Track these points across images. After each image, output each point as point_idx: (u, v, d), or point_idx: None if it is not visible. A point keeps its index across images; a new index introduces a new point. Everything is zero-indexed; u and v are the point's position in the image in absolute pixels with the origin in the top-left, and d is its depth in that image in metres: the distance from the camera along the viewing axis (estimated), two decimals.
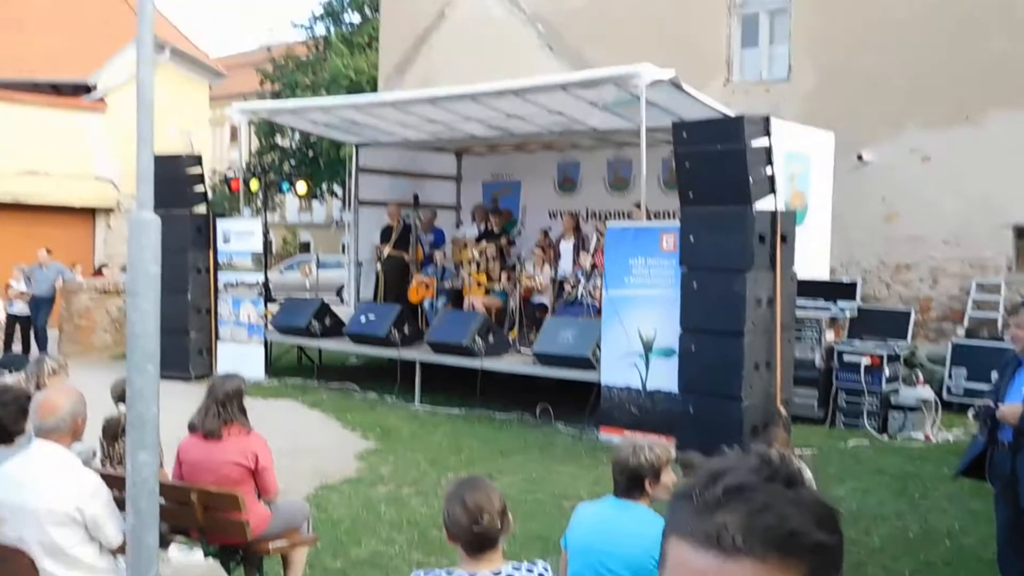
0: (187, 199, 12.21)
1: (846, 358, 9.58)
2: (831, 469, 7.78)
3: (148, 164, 4.94)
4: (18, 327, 14.42)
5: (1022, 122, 11.44)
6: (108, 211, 18.01)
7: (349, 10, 31.86)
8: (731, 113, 10.10)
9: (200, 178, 12.44)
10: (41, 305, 14.63)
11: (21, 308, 14.39)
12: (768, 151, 8.12)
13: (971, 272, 11.87)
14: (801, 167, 10.54)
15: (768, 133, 8.13)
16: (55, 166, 16.84)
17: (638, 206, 10.47)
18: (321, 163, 30.05)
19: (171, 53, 19.02)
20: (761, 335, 7.98)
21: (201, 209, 12.49)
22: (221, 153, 47.84)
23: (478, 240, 12.84)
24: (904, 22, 12.24)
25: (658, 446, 3.62)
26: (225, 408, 4.93)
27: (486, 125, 12.24)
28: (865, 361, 9.40)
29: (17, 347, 14.24)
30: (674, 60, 11.37)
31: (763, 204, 8.12)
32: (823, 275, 10.97)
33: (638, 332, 8.76)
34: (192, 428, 5.01)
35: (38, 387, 5.21)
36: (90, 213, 18.00)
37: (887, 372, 9.40)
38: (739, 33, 13.88)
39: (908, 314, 10.82)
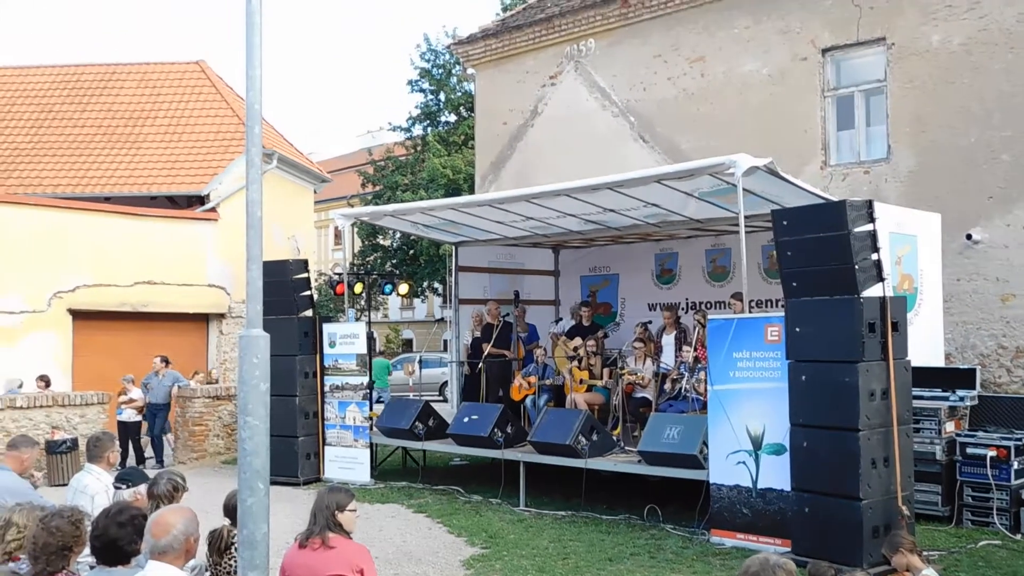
0: (295, 304, 12.57)
1: (970, 450, 9.09)
2: (961, 574, 7.31)
3: (257, 282, 5.11)
4: (127, 437, 14.78)
5: None
6: (220, 316, 18.65)
7: (445, 111, 32.83)
8: (831, 197, 9.93)
9: (307, 283, 12.81)
10: (157, 413, 15.13)
11: (130, 415, 14.88)
12: (873, 236, 7.91)
13: None
14: (908, 249, 10.23)
15: (872, 217, 7.93)
16: (170, 275, 17.58)
17: (736, 297, 10.31)
18: (421, 261, 30.67)
19: (278, 161, 19.84)
20: (877, 429, 7.64)
21: (308, 313, 12.82)
22: (325, 255, 49.37)
23: (571, 335, 12.80)
24: (1005, 95, 11.93)
25: (785, 569, 3.45)
26: (331, 520, 4.94)
27: (582, 219, 12.32)
28: (991, 453, 8.89)
29: (129, 459, 14.63)
30: (769, 145, 11.33)
31: (871, 291, 7.88)
32: (938, 362, 10.51)
33: (746, 428, 8.51)
34: (298, 540, 5.03)
35: (157, 505, 5.30)
36: (203, 319, 18.67)
37: (1016, 464, 8.86)
38: (834, 115, 13.73)
39: None
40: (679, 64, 15.23)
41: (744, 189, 9.03)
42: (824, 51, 13.65)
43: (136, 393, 15.02)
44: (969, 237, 11.99)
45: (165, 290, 17.48)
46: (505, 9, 29.07)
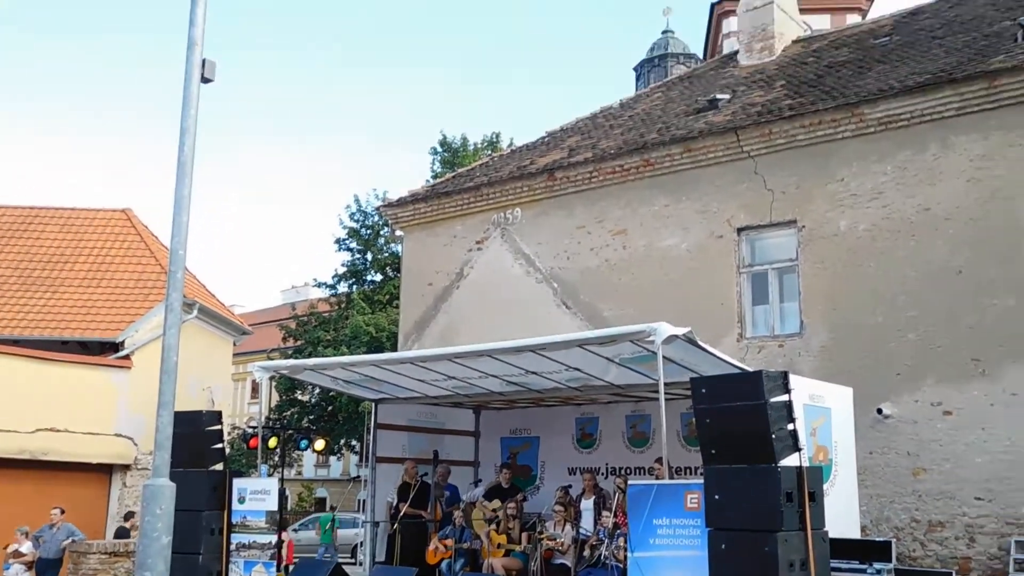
0: (205, 457, 12.12)
1: None
2: None
3: (167, 429, 4.99)
4: None
5: None
6: (125, 468, 17.90)
7: (371, 270, 33.15)
8: (748, 368, 10.19)
9: (219, 436, 12.42)
10: (47, 569, 14.21)
11: (17, 571, 13.96)
12: (789, 406, 8.10)
13: (1008, 530, 11.46)
14: (822, 421, 10.47)
15: (788, 388, 8.14)
16: (75, 422, 16.93)
17: (659, 462, 10.33)
18: (340, 418, 30.15)
19: (198, 311, 19.62)
20: None
21: (218, 467, 12.38)
22: (241, 408, 48.18)
23: (490, 497, 12.60)
24: (909, 279, 12.61)
25: None
26: None
27: (504, 381, 12.34)
28: None
29: None
30: (688, 316, 11.63)
31: (788, 460, 8.00)
32: (855, 534, 10.60)
33: None
34: None
35: None
36: (107, 470, 17.88)
37: None
38: (749, 290, 14.29)
39: (948, 575, 10.34)
40: (602, 236, 15.78)
41: (664, 357, 9.21)
42: (739, 230, 14.33)
43: (26, 547, 14.13)
44: (880, 412, 12.36)
45: (69, 438, 16.78)
46: (435, 176, 29.97)
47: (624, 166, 15.63)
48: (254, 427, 28.12)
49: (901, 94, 13.06)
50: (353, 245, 32.77)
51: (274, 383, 30.07)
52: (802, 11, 21.68)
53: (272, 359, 32.15)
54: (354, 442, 31.08)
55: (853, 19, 33.29)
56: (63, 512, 14.64)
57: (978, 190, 12.33)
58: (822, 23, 30.98)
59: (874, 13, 31.97)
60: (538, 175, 16.69)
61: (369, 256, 32.79)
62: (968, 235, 12.31)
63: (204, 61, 7.17)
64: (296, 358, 30.46)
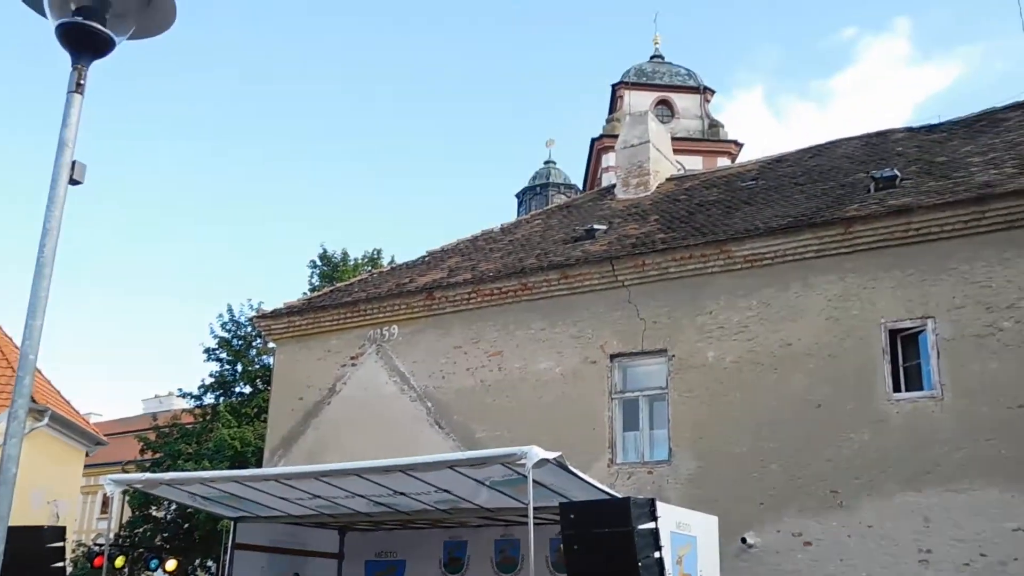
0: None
1: None
2: None
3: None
4: None
5: (890, 510, 11.94)
6: None
7: (240, 382, 32.15)
8: (617, 494, 10.23)
9: (60, 553, 11.60)
10: None
11: None
12: (655, 534, 8.14)
13: None
14: (688, 549, 10.53)
15: (655, 516, 8.21)
16: None
17: None
18: (196, 537, 28.57)
19: (50, 419, 18.56)
20: None
21: None
22: (90, 523, 45.21)
23: None
24: (772, 410, 13.04)
25: None
26: None
27: (371, 501, 12.00)
28: None
29: None
30: (560, 440, 11.70)
31: None
32: None
33: None
34: None
35: None
36: None
37: None
38: (621, 416, 14.48)
39: None
40: (478, 356, 15.82)
41: (534, 481, 9.16)
42: (612, 357, 14.62)
43: None
44: (744, 541, 12.54)
45: None
46: (313, 289, 29.65)
47: (502, 289, 15.85)
48: (101, 545, 26.38)
49: (765, 235, 13.79)
50: (223, 355, 31.83)
51: (127, 497, 28.41)
52: (676, 152, 22.88)
53: (128, 472, 30.47)
54: (210, 563, 29.44)
55: (723, 162, 35.36)
56: None
57: (836, 328, 12.99)
58: (695, 164, 32.72)
59: (742, 158, 34.00)
60: (417, 293, 16.73)
61: (239, 367, 31.87)
62: (827, 371, 12.88)
63: (74, 163, 6.97)
64: (153, 471, 28.96)
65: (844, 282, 13.13)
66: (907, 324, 12.64)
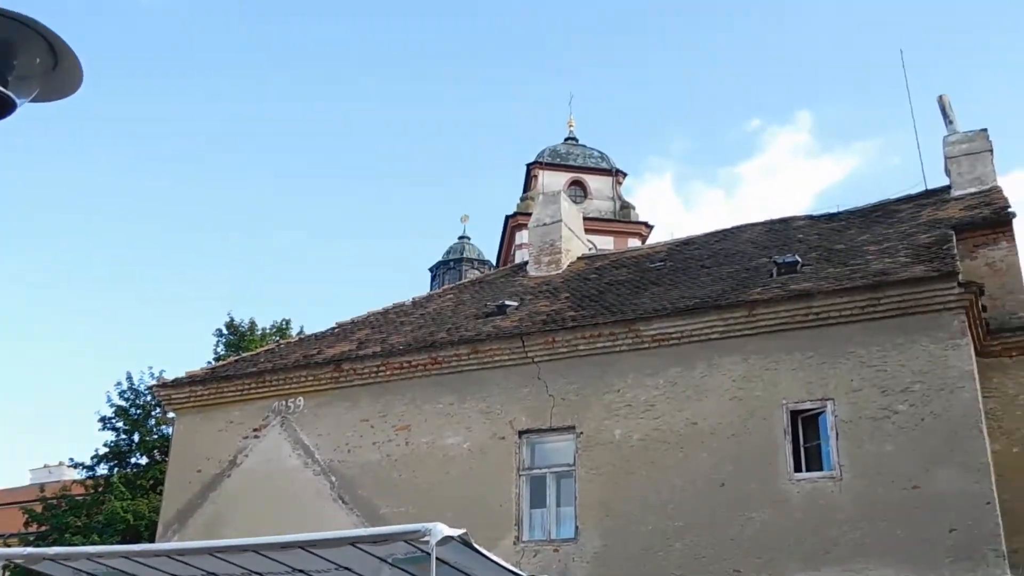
0: None
1: None
2: None
3: None
4: None
5: None
6: None
7: (137, 452, 30.94)
8: (522, 573, 10.11)
9: None
10: None
11: None
12: None
13: None
14: None
15: None
16: None
17: None
18: None
19: None
20: None
21: None
22: None
23: None
24: (677, 488, 13.13)
25: None
26: None
27: None
28: None
29: None
30: (466, 517, 11.55)
31: None
32: None
33: None
34: None
35: None
36: None
37: None
38: (528, 493, 14.38)
39: None
40: (385, 430, 15.60)
41: (438, 559, 9.00)
42: (521, 433, 14.58)
43: None
44: None
45: None
46: (218, 359, 28.94)
47: (412, 362, 15.74)
48: None
49: (672, 315, 14.06)
50: (120, 425, 30.64)
51: (7, 574, 26.82)
52: (588, 231, 23.31)
53: (9, 545, 28.84)
54: None
55: (634, 243, 36.13)
56: None
57: (739, 408, 13.23)
58: (606, 244, 33.40)
59: (652, 239, 34.82)
60: (325, 365, 16.48)
61: (136, 437, 30.69)
62: (730, 450, 13.08)
63: None
64: (38, 546, 27.50)
65: (748, 363, 13.43)
66: (808, 405, 12.96)
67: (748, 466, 12.90)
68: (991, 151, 17.06)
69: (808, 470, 12.74)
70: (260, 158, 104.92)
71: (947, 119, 18.03)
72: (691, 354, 13.85)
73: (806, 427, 13.00)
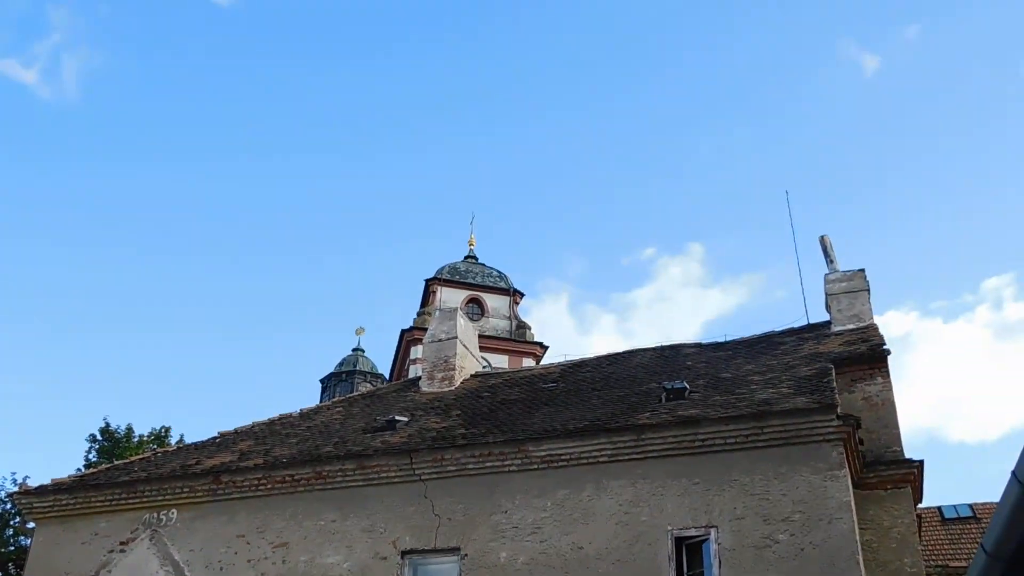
0: None
1: None
2: None
3: None
4: None
5: None
6: None
7: None
8: None
9: None
10: None
11: None
12: None
13: None
14: None
15: None
16: None
17: None
18: None
19: None
20: None
21: None
22: None
23: None
24: None
25: None
26: None
27: None
28: None
29: None
30: None
31: None
32: None
33: None
34: None
35: None
36: None
37: None
38: None
39: None
40: (262, 547, 14.93)
41: None
42: (404, 553, 14.15)
43: None
44: None
45: None
46: (89, 465, 27.51)
47: (295, 476, 15.24)
48: None
49: (563, 436, 14.05)
50: None
51: None
52: (484, 349, 23.37)
53: None
54: None
55: (528, 362, 36.35)
56: None
57: (625, 532, 13.15)
58: (501, 362, 33.48)
59: (547, 359, 35.07)
60: (202, 476, 15.80)
61: None
62: (615, 575, 12.91)
63: None
64: None
65: (635, 487, 13.43)
66: (692, 532, 12.97)
67: None
68: (868, 290, 17.93)
69: None
70: (141, 237, 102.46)
71: (828, 258, 18.96)
72: (580, 476, 13.80)
73: (690, 554, 12.97)
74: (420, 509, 14.34)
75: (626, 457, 13.67)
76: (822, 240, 19.31)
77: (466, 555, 13.79)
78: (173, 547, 15.46)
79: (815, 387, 13.90)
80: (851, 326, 17.35)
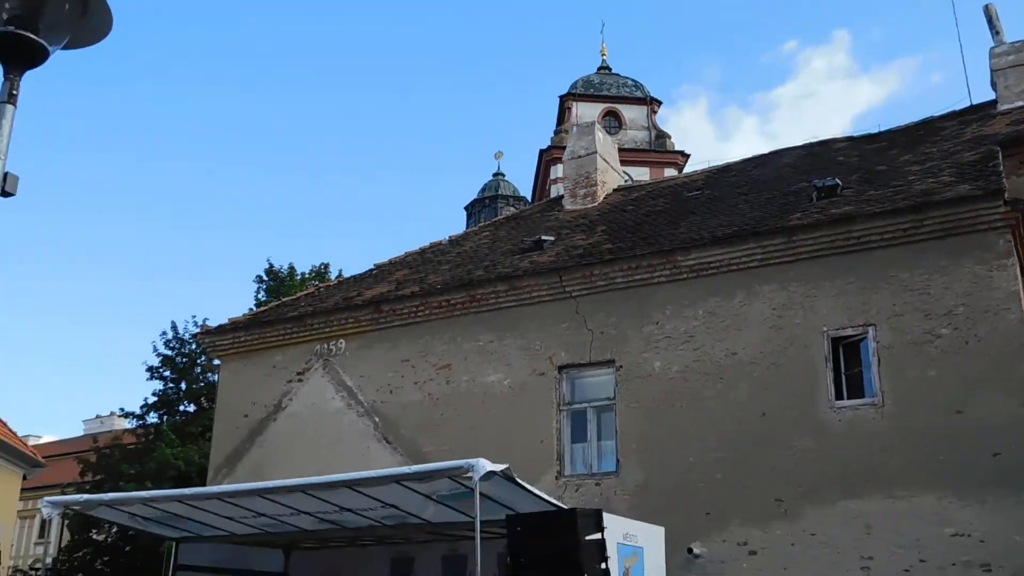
0: None
1: None
2: None
3: None
4: None
5: (833, 517, 12.03)
6: None
7: (184, 401, 31.56)
8: (564, 506, 10.18)
9: None
10: None
11: None
12: (602, 545, 8.10)
13: None
14: (635, 561, 10.49)
15: (600, 527, 8.17)
16: None
17: None
18: (138, 561, 27.87)
19: None
20: None
21: None
22: (27, 548, 44.00)
23: None
24: (717, 420, 13.09)
25: None
26: None
27: (317, 518, 11.81)
28: None
29: None
30: (508, 453, 11.61)
31: None
32: None
33: None
34: None
35: None
36: None
37: None
38: (569, 428, 14.44)
39: None
40: (426, 370, 15.70)
41: (482, 494, 9.08)
42: (560, 368, 14.59)
43: None
44: (690, 551, 12.54)
45: None
46: (259, 305, 29.23)
47: (450, 301, 15.76)
48: (38, 570, 25.61)
49: (711, 244, 13.88)
50: (167, 374, 31.24)
51: (66, 521, 27.68)
52: (623, 163, 23.00)
53: (67, 494, 29.72)
54: None
55: (670, 172, 35.64)
56: None
57: (779, 337, 13.09)
58: (642, 174, 32.97)
59: (688, 168, 34.33)
60: (364, 307, 16.56)
61: (183, 386, 31.28)
62: (771, 380, 12.97)
63: (6, 175, 6.79)
64: (94, 493, 28.29)
65: (787, 291, 13.25)
66: (849, 332, 12.78)
67: (789, 395, 12.80)
68: None
69: (849, 397, 12.60)
70: (300, 97, 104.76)
71: (993, 29, 17.39)
72: (730, 283, 13.69)
73: (847, 354, 12.84)
74: (573, 325, 14.64)
75: (777, 260, 13.42)
76: (986, 9, 17.65)
77: (620, 367, 14.10)
78: (345, 374, 16.46)
79: (980, 173, 13.09)
80: (1020, 103, 16.05)
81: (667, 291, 14.14)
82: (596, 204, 18.71)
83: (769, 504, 12.44)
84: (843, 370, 12.75)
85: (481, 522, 9.01)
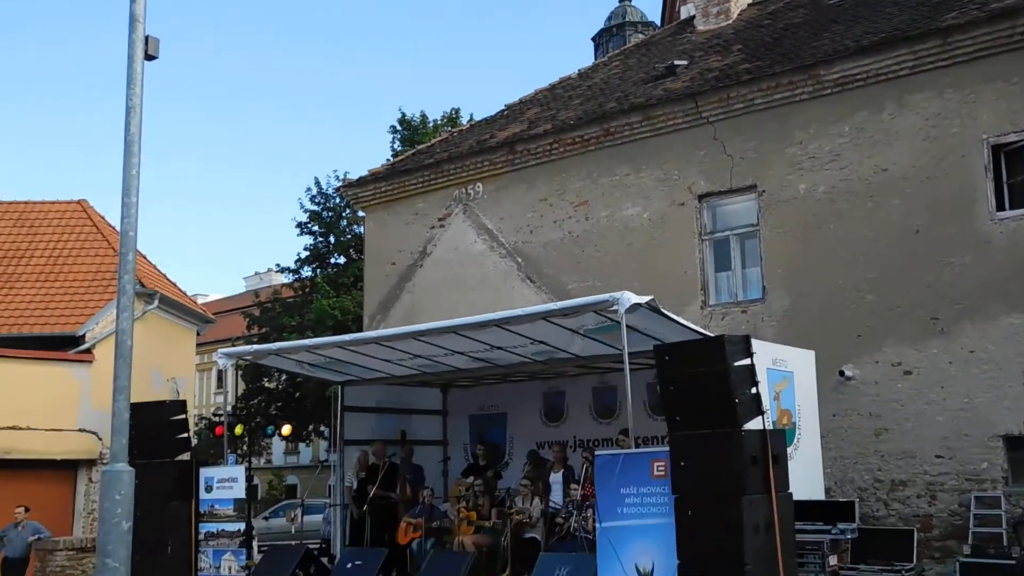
0: (170, 447, 11.99)
1: None
2: None
3: (124, 414, 4.86)
4: None
5: (994, 333, 11.60)
6: (91, 463, 17.63)
7: (334, 253, 32.85)
8: (711, 334, 10.19)
9: (184, 425, 12.28)
10: (14, 567, 14.00)
11: None
12: (751, 370, 8.11)
13: (968, 486, 11.58)
14: (785, 385, 10.51)
15: (749, 352, 8.15)
16: (38, 419, 16.63)
17: (624, 434, 10.33)
18: (307, 404, 29.93)
19: (159, 302, 19.32)
20: (762, 563, 7.63)
21: (184, 457, 12.24)
22: (207, 398, 47.82)
23: (466, 475, 12.58)
24: (868, 240, 12.66)
25: None
26: None
27: (470, 357, 12.29)
28: None
29: None
30: (651, 286, 11.65)
31: (751, 424, 8.02)
32: (819, 496, 10.68)
33: (635, 566, 8.37)
34: None
35: None
36: (72, 466, 17.61)
37: None
38: (712, 257, 14.28)
39: (911, 533, 10.47)
40: (564, 208, 15.71)
41: (628, 326, 9.19)
42: (700, 197, 14.32)
43: None
44: (842, 374, 12.44)
45: (31, 436, 16.48)
46: (395, 154, 29.68)
47: (584, 136, 15.56)
48: (220, 416, 27.85)
49: (856, 54, 13.06)
50: (315, 228, 32.48)
51: (239, 372, 29.79)
52: None
53: (235, 347, 31.85)
54: (323, 427, 30.89)
55: None
56: (28, 510, 14.43)
57: (934, 149, 12.38)
58: None
59: None
60: (498, 149, 16.57)
61: (332, 239, 32.52)
62: (924, 194, 12.37)
63: (147, 38, 6.96)
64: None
65: (942, 98, 12.42)
66: (1012, 138, 11.93)
67: (945, 209, 12.18)
68: None
69: (1012, 207, 11.88)
70: None
71: None
72: (879, 95, 12.92)
73: (1010, 162, 12.03)
74: (711, 152, 14.25)
75: (931, 66, 12.53)
76: None
77: (763, 191, 13.72)
78: (484, 217, 16.68)
79: None
80: None
81: (810, 108, 13.49)
82: (730, 22, 17.79)
83: (925, 323, 12.10)
84: (1005, 179, 11.99)
85: (629, 353, 9.17)
